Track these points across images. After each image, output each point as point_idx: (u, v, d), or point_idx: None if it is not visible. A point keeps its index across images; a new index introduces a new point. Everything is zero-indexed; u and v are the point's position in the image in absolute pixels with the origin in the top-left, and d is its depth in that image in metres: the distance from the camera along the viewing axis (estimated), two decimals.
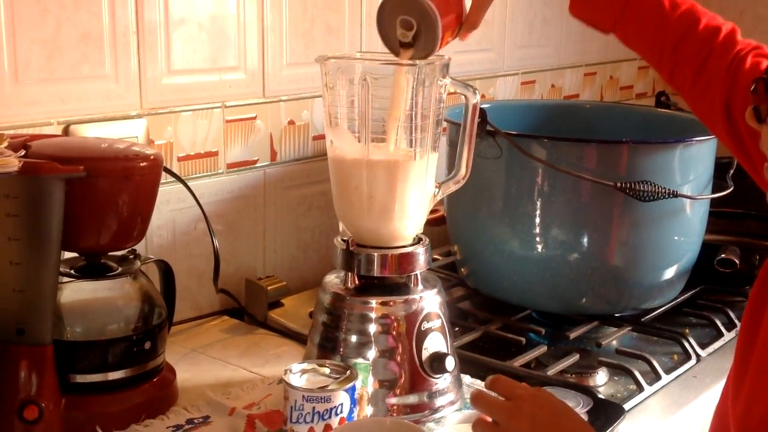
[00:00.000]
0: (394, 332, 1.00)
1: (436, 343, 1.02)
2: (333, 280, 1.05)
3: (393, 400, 0.99)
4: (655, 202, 1.18)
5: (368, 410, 0.99)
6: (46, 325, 0.93)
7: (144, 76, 1.19)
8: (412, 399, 1.00)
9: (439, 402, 1.02)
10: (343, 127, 1.01)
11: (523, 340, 1.23)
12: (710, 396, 1.13)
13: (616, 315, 1.31)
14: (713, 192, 1.30)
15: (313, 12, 1.39)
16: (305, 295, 1.39)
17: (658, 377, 1.14)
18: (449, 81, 1.01)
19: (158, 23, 1.19)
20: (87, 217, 0.95)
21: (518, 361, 1.16)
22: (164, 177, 1.07)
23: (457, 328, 1.24)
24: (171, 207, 1.25)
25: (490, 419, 0.83)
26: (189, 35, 1.23)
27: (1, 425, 0.91)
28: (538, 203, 1.24)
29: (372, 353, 1.00)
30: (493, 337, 1.25)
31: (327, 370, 0.95)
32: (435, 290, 1.04)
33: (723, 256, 1.36)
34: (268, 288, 1.32)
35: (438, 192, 1.06)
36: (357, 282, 1.03)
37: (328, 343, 1.02)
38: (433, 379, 1.01)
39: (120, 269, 1.01)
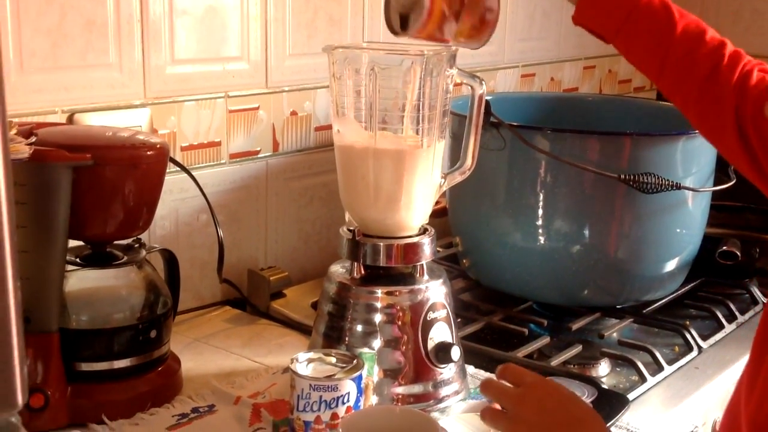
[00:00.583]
0: (400, 322, 1.00)
1: (441, 333, 1.02)
2: (338, 269, 1.05)
3: (398, 390, 1.00)
4: (657, 195, 1.19)
5: (374, 399, 0.99)
6: (52, 313, 0.93)
7: (148, 66, 1.19)
8: (417, 388, 1.00)
9: (444, 392, 1.02)
10: (350, 116, 1.01)
11: (526, 331, 1.24)
12: (712, 387, 1.14)
13: (618, 306, 1.31)
14: (715, 185, 1.31)
15: (315, 3, 1.38)
16: (307, 285, 1.39)
17: (661, 368, 1.14)
18: (456, 71, 1.01)
19: (162, 12, 1.19)
20: (93, 205, 0.95)
21: (521, 352, 1.17)
22: (168, 167, 1.06)
23: (459, 320, 1.23)
24: (174, 197, 1.25)
25: (498, 407, 0.83)
26: (192, 25, 1.23)
27: None
28: (541, 195, 1.24)
29: (377, 343, 1.00)
30: (496, 329, 1.26)
31: (333, 360, 0.95)
32: (440, 281, 1.04)
33: (724, 248, 1.37)
34: (271, 278, 1.32)
35: (444, 182, 1.06)
36: (363, 272, 1.03)
37: (334, 332, 1.02)
38: (438, 369, 1.01)
39: (125, 258, 1.01)
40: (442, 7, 0.95)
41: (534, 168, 1.24)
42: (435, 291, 1.03)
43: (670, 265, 1.30)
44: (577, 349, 1.18)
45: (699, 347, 1.22)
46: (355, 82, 1.00)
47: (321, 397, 0.90)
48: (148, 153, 0.97)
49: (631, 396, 1.06)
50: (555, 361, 1.14)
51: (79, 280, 0.99)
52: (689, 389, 1.12)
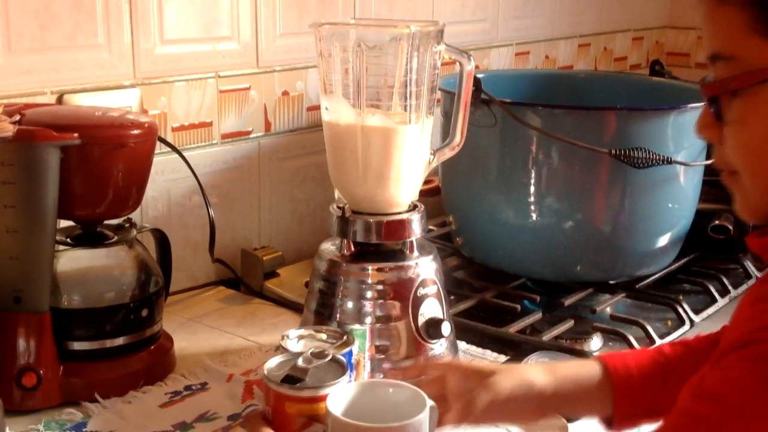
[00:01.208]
0: (390, 298, 1.00)
1: (432, 308, 1.02)
2: (329, 247, 1.05)
3: (389, 366, 1.00)
4: (649, 170, 1.18)
5: (365, 375, 0.99)
6: (43, 293, 0.94)
7: (137, 46, 1.19)
8: (407, 364, 1.01)
9: None
10: (338, 94, 1.01)
11: (519, 307, 1.24)
12: None
13: (611, 282, 1.32)
14: (707, 159, 1.30)
15: None
16: (301, 265, 1.39)
17: (652, 342, 1.14)
18: (444, 47, 1.01)
19: None
20: (82, 185, 0.95)
21: (513, 328, 1.17)
22: (159, 147, 1.07)
23: (452, 297, 1.24)
24: (165, 177, 1.25)
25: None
26: (182, 4, 1.23)
27: (0, 391, 0.92)
28: (533, 172, 1.24)
29: (368, 319, 1.00)
30: (489, 305, 1.26)
31: (324, 336, 0.95)
32: (431, 257, 1.04)
33: (717, 222, 1.37)
34: (264, 258, 1.32)
35: (433, 159, 1.06)
36: (353, 249, 1.03)
37: (325, 309, 1.02)
38: (429, 345, 1.02)
39: (116, 237, 1.02)
40: None
41: (525, 145, 1.24)
42: (425, 267, 1.03)
43: (663, 240, 1.30)
44: (569, 324, 1.18)
45: (691, 321, 1.22)
46: (342, 60, 0.99)
47: None
48: (136, 132, 0.97)
49: None
50: (546, 336, 1.14)
51: (70, 259, 1.00)
52: None
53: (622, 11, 2.13)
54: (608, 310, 1.24)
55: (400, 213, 1.03)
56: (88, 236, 1.01)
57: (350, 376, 0.92)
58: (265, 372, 0.82)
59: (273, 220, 1.42)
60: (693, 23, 2.25)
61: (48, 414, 0.94)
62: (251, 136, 1.36)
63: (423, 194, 1.08)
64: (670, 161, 1.19)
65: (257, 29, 1.33)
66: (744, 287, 1.34)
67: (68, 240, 1.00)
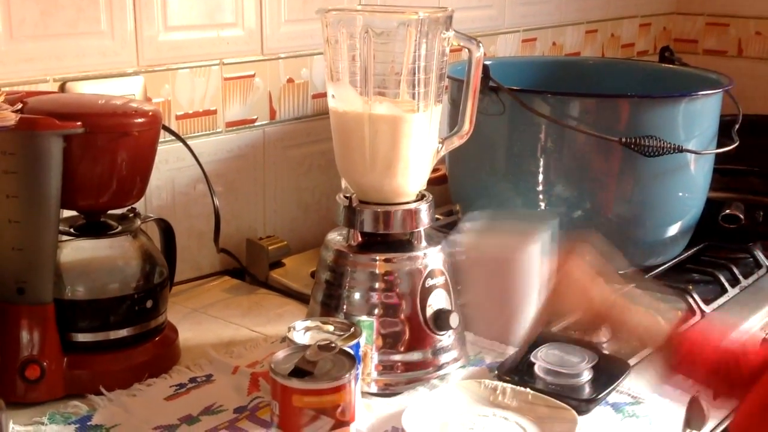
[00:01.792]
0: (398, 289, 0.99)
1: (440, 299, 1.01)
2: (335, 237, 1.04)
3: (397, 357, 0.99)
4: (659, 158, 1.17)
5: (372, 367, 0.98)
6: (46, 284, 0.92)
7: (140, 33, 1.17)
8: (416, 356, 1.00)
9: (443, 359, 1.01)
10: (345, 81, 0.99)
11: None
12: None
13: (620, 272, 1.30)
14: (717, 148, 1.29)
15: None
16: (306, 255, 1.38)
17: None
18: (453, 34, 0.99)
19: None
20: (85, 174, 0.94)
21: None
22: (163, 136, 1.05)
23: (459, 287, 1.22)
24: (170, 166, 1.24)
25: None
26: None
27: (4, 384, 0.91)
28: (542, 160, 1.23)
29: (376, 310, 0.99)
30: None
31: (331, 328, 0.94)
32: (439, 247, 1.03)
33: (727, 211, 1.36)
34: (269, 248, 1.31)
35: (441, 147, 1.04)
36: (360, 239, 1.01)
37: (332, 300, 1.01)
38: (437, 336, 1.00)
39: (120, 227, 1.00)
40: None
41: (534, 133, 1.22)
42: (433, 258, 1.01)
43: (673, 230, 1.28)
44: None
45: (702, 311, 1.20)
46: (349, 46, 0.98)
47: None
48: (140, 120, 0.95)
49: (632, 361, 1.05)
50: (556, 328, 1.12)
51: (74, 250, 0.98)
52: None
53: None
54: None
55: (408, 203, 1.01)
56: (92, 226, 0.99)
57: (358, 369, 0.91)
58: (272, 365, 0.81)
59: (278, 209, 1.41)
60: (701, 9, 2.23)
61: (52, 406, 0.93)
62: (256, 124, 1.35)
63: (430, 183, 1.06)
64: (681, 149, 1.17)
65: (262, 16, 1.31)
66: (754, 277, 1.33)
67: (71, 230, 0.98)
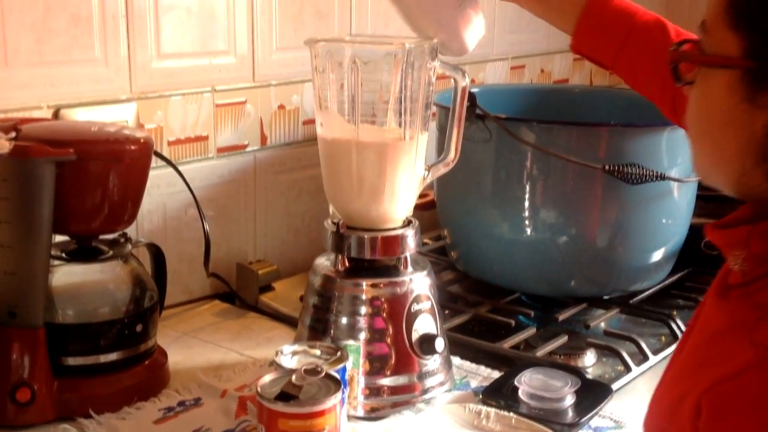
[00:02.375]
0: (384, 314, 1.01)
1: (425, 324, 1.03)
2: (323, 262, 1.06)
3: (383, 381, 1.00)
4: (642, 186, 1.19)
5: (358, 391, 0.99)
6: (37, 308, 0.94)
7: (134, 60, 1.19)
8: (402, 380, 1.01)
9: (429, 383, 1.03)
10: (333, 109, 1.02)
11: (513, 322, 1.24)
12: None
13: (605, 297, 1.32)
14: None
15: None
16: (296, 279, 1.39)
17: (646, 358, 1.15)
18: (438, 63, 1.01)
19: (147, 7, 1.19)
20: (77, 200, 0.95)
21: (507, 343, 1.17)
22: (154, 161, 1.07)
23: (447, 311, 1.24)
24: (161, 191, 1.25)
25: None
26: (178, 19, 1.23)
27: None
28: (527, 187, 1.25)
29: (362, 335, 1.00)
30: (483, 320, 1.26)
31: (318, 352, 0.95)
32: (425, 272, 1.05)
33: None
34: (259, 272, 1.32)
35: (428, 174, 1.06)
36: (347, 264, 1.03)
37: (319, 324, 1.03)
38: (423, 360, 1.02)
39: (111, 252, 1.02)
40: None
41: (520, 160, 1.24)
42: (419, 283, 1.03)
43: (657, 256, 1.30)
44: (563, 339, 1.19)
45: None
46: (337, 76, 1.00)
47: None
48: (132, 147, 0.97)
49: (616, 386, 1.07)
50: (540, 352, 1.14)
51: (65, 274, 1.00)
52: None
53: None
54: (602, 325, 1.25)
55: (394, 228, 1.03)
56: (83, 251, 1.01)
57: (344, 392, 0.92)
58: (259, 389, 0.83)
59: (268, 234, 1.42)
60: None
61: (43, 429, 0.94)
62: (247, 149, 1.37)
63: (418, 208, 1.09)
64: (663, 177, 1.19)
65: (253, 43, 1.34)
66: None
67: (63, 255, 1.00)
